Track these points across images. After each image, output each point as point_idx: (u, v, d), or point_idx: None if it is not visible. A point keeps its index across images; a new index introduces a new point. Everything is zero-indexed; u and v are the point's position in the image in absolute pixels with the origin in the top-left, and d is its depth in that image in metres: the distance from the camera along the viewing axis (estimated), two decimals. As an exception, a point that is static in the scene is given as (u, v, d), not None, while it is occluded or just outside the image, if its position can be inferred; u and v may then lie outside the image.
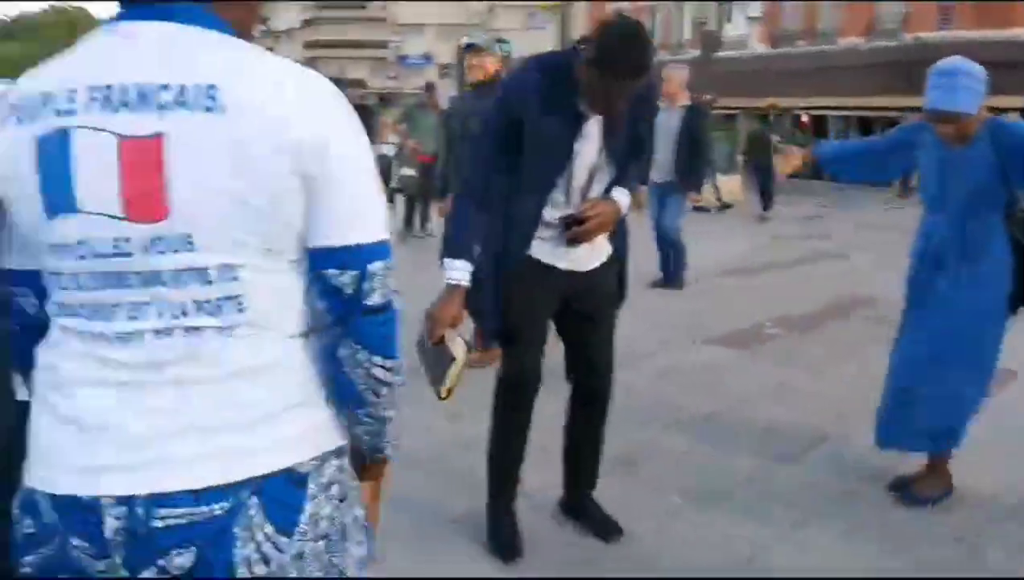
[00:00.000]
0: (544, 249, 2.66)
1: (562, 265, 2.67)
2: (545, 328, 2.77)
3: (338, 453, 1.18)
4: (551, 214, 2.61)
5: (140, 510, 1.05)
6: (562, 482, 3.02)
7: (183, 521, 1.05)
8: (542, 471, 3.02)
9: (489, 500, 2.90)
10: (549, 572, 2.70)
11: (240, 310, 1.08)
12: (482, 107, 3.96)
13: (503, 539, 2.83)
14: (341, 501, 1.17)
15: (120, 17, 1.10)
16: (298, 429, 1.13)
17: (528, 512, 2.95)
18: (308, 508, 1.11)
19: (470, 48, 5.11)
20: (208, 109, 1.02)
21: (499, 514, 2.87)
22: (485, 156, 2.62)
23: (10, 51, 34.40)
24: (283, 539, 1.09)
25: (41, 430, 1.12)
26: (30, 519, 1.11)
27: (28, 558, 1.11)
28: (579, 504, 2.99)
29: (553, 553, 2.82)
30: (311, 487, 1.12)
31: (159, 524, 1.05)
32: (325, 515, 1.13)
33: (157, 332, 1.07)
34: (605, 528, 2.92)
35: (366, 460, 1.29)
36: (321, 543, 1.13)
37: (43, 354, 1.16)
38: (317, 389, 1.17)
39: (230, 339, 1.09)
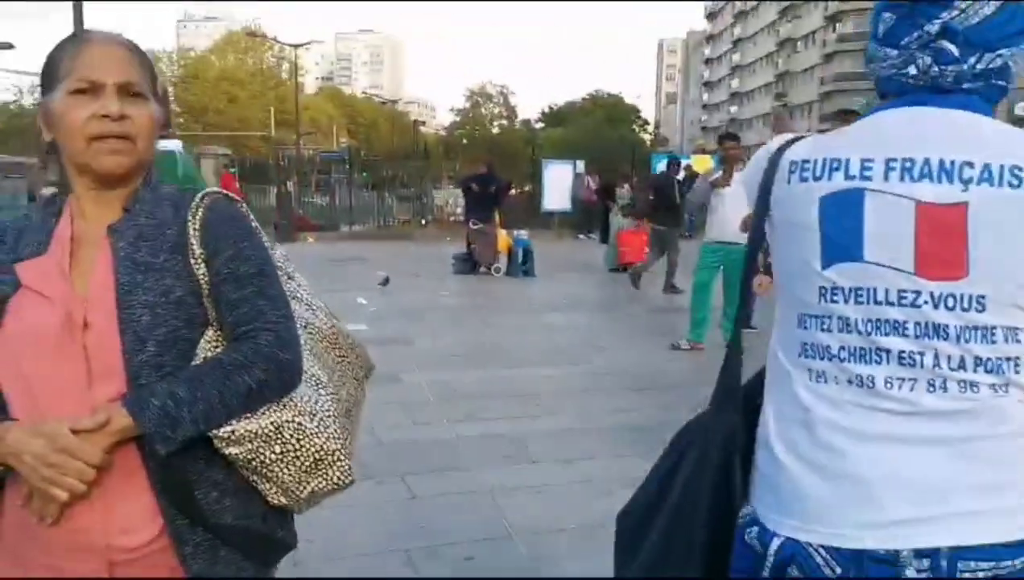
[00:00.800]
0: None
1: None
2: None
3: None
4: None
5: (944, 563, 1.11)
6: None
7: (989, 574, 1.11)
8: None
9: None
10: None
11: (1017, 371, 1.15)
12: None
13: None
14: None
15: (909, 103, 1.23)
16: None
17: None
18: None
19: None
20: (1013, 186, 1.12)
21: None
22: None
23: (554, 134, 40.47)
24: None
25: (797, 479, 1.21)
26: (797, 569, 1.19)
27: None
28: None
29: None
30: None
31: (966, 576, 1.11)
32: None
33: (930, 383, 1.16)
34: None
35: None
36: None
37: (776, 392, 1.27)
38: None
39: (1005, 397, 1.15)
